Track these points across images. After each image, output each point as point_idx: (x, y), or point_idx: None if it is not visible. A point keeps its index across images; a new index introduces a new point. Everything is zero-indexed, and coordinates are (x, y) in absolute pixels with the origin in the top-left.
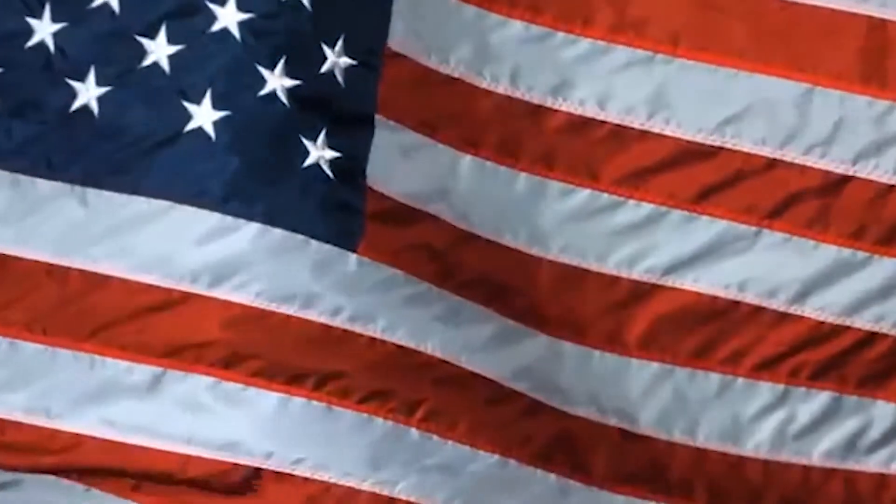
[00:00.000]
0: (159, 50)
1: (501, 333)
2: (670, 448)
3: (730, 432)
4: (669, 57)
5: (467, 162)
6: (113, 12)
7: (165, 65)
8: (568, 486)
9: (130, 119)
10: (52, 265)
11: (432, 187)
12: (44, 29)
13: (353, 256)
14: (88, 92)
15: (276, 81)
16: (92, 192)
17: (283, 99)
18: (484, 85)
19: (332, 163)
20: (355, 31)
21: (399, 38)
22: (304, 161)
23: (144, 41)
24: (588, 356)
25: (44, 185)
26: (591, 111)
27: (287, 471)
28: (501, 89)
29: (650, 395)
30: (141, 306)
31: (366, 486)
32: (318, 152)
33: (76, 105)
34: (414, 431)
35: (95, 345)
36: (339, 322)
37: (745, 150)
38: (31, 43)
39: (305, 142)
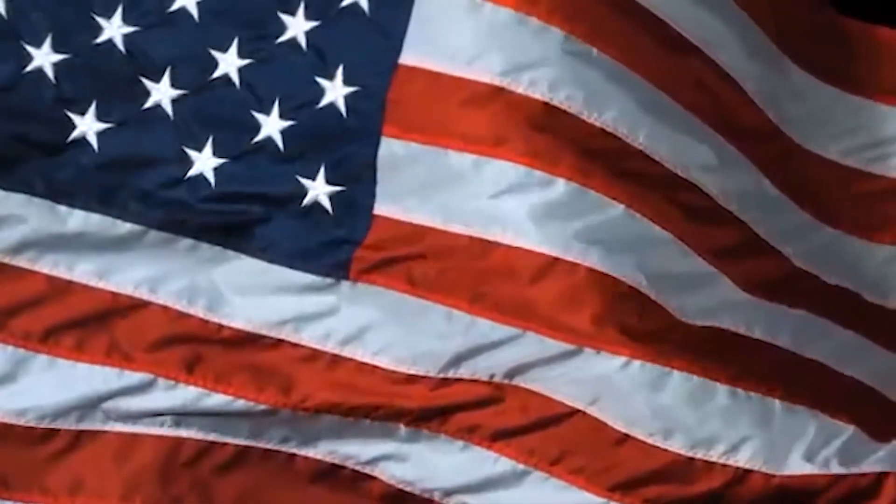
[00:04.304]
0: (163, 92)
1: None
2: None
3: None
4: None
5: None
6: (118, 50)
7: (168, 109)
8: None
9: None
10: None
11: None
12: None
13: (344, 283)
14: (87, 125)
15: (272, 125)
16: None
17: (279, 142)
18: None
19: (333, 197)
20: (355, 59)
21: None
22: (302, 201)
23: (148, 83)
24: None
25: None
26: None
27: None
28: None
29: None
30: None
31: None
32: (318, 190)
33: (73, 136)
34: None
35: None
36: (329, 347)
37: None
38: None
39: (303, 181)
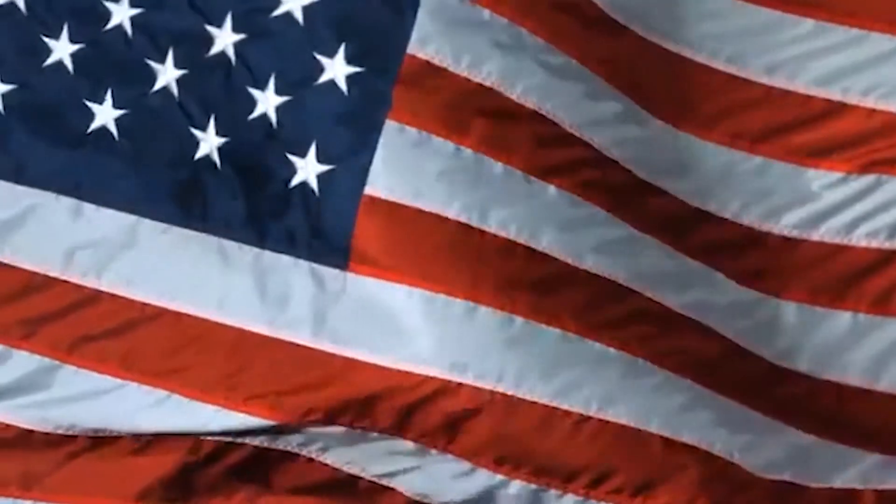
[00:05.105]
0: (168, 74)
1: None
2: None
3: None
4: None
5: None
6: (126, 35)
7: (174, 89)
8: None
9: (148, 142)
10: None
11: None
12: (62, 49)
13: (340, 274)
14: (106, 113)
15: (267, 101)
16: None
17: (273, 118)
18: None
19: (322, 177)
20: (360, 40)
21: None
22: (290, 181)
23: (153, 65)
24: None
25: None
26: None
27: None
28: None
29: None
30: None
31: None
32: (307, 169)
33: (94, 126)
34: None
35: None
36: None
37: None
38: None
39: (293, 159)
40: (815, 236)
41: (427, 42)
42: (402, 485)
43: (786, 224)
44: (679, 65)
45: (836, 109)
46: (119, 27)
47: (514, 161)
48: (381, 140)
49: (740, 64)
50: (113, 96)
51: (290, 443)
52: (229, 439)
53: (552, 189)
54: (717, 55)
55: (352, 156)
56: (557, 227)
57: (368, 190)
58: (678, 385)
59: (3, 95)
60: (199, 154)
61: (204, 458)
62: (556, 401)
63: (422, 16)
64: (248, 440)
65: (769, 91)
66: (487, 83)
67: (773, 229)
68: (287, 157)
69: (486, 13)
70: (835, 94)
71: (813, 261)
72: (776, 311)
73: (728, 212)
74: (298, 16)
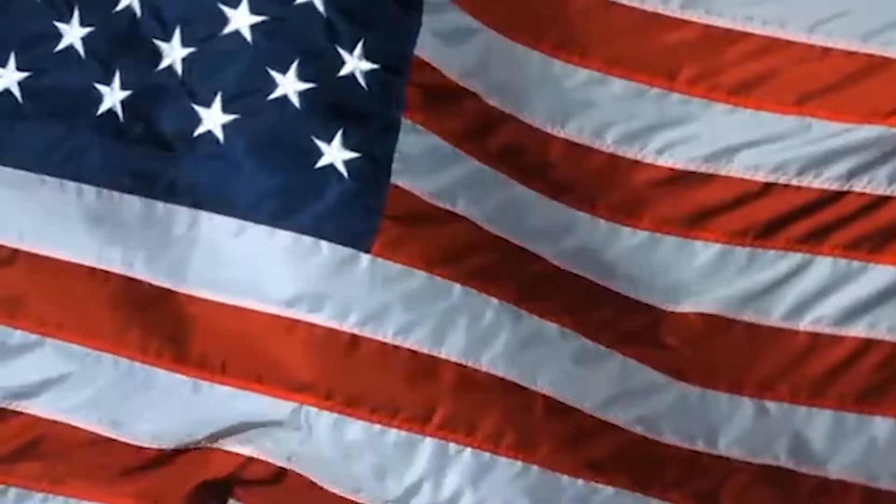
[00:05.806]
0: (174, 52)
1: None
2: None
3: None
4: (665, 91)
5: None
6: (134, 15)
7: (178, 67)
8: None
9: (150, 123)
10: None
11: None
12: (73, 33)
13: (365, 257)
14: (113, 95)
15: (289, 85)
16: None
17: (295, 102)
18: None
19: (349, 163)
20: (376, 37)
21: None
22: (316, 162)
23: (160, 44)
24: None
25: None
26: (587, 140)
27: None
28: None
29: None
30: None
31: None
32: (333, 153)
33: (103, 108)
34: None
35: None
36: (347, 326)
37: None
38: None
39: (319, 143)
40: (858, 188)
41: (427, 46)
42: (426, 493)
43: (827, 177)
44: (705, 34)
45: (879, 65)
46: (128, 8)
47: (494, 164)
48: (400, 136)
49: (777, 25)
50: (120, 78)
51: (305, 470)
52: (255, 455)
53: (533, 194)
54: (752, 20)
55: (375, 147)
56: (537, 230)
57: (394, 180)
58: (667, 386)
59: (20, 84)
60: (200, 130)
61: (229, 470)
62: (568, 398)
63: (426, 19)
64: (270, 459)
65: (810, 49)
66: (471, 89)
67: (812, 184)
68: (313, 141)
69: (475, 25)
70: (876, 49)
71: (853, 214)
72: (809, 268)
73: (760, 174)
74: (320, 7)
